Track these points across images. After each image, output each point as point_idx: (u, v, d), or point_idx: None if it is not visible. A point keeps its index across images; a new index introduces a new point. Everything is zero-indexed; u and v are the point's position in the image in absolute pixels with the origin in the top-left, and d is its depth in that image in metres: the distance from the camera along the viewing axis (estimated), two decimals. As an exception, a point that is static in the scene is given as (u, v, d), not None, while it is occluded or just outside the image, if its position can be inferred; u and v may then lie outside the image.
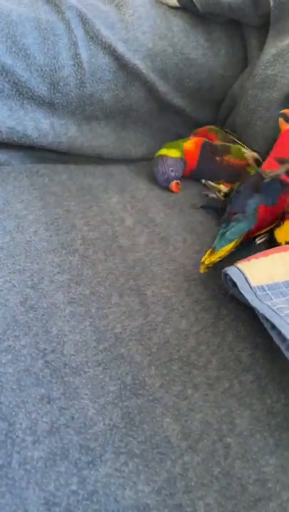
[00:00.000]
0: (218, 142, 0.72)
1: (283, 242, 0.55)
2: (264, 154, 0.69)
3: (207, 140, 0.71)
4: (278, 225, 0.58)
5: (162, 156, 0.68)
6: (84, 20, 0.61)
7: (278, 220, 0.58)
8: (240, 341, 0.46)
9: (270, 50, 0.64)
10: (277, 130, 0.67)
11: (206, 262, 0.50)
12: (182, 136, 0.77)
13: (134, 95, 0.68)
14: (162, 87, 0.68)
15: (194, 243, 0.58)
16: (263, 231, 0.58)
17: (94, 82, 0.64)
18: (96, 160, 0.72)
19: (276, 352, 0.41)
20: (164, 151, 0.68)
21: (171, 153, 0.68)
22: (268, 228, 0.58)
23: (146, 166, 0.75)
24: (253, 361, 0.44)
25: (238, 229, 0.54)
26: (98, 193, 0.65)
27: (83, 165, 0.70)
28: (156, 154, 0.69)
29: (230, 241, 0.53)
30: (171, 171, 0.67)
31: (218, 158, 0.69)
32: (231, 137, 0.73)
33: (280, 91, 0.64)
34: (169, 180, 0.67)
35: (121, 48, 0.63)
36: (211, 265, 0.51)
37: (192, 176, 0.71)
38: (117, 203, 0.63)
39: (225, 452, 0.37)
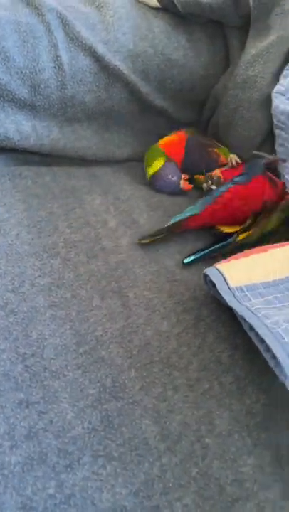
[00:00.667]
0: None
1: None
2: (245, 153, 0.69)
3: (191, 135, 0.71)
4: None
5: (153, 176, 0.68)
6: (64, 22, 0.61)
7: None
8: (220, 342, 0.46)
9: (250, 50, 0.64)
10: (258, 130, 0.67)
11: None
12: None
13: (116, 96, 0.68)
14: (144, 88, 0.68)
15: (177, 246, 0.58)
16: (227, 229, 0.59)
17: (75, 83, 0.64)
18: (80, 162, 0.72)
19: (255, 353, 0.41)
20: (150, 170, 0.68)
21: (156, 165, 0.68)
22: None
23: (131, 167, 0.75)
24: (232, 362, 0.45)
25: (184, 213, 0.58)
26: (81, 194, 0.65)
27: (67, 167, 0.70)
28: (148, 177, 0.69)
29: (173, 221, 0.57)
30: (171, 177, 0.67)
31: (209, 149, 0.70)
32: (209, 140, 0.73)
33: (260, 91, 0.64)
34: (175, 185, 0.67)
35: (101, 50, 0.63)
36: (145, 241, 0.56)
37: (182, 168, 0.70)
38: (100, 204, 0.63)
39: (203, 453, 0.37)
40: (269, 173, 0.62)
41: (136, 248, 0.56)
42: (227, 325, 0.48)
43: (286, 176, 0.63)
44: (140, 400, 0.40)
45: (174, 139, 0.70)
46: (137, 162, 0.76)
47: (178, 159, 0.69)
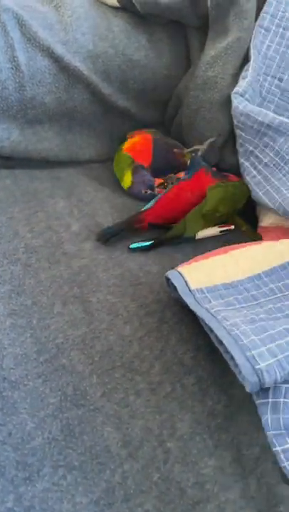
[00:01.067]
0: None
1: None
2: (207, 155, 0.69)
3: (156, 136, 0.71)
4: None
5: (128, 190, 0.67)
6: (20, 23, 0.60)
7: None
8: (183, 344, 0.47)
9: (210, 51, 0.64)
10: (220, 131, 0.68)
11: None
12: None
13: (77, 98, 0.67)
14: (106, 89, 0.68)
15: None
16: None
17: (34, 85, 0.62)
18: (42, 163, 0.71)
19: (217, 353, 0.42)
20: (123, 184, 0.68)
21: (127, 180, 0.67)
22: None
23: (94, 168, 0.74)
24: (195, 363, 0.45)
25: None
26: (44, 197, 0.64)
27: (29, 169, 0.69)
28: (125, 188, 0.68)
29: None
30: (144, 192, 0.66)
31: (175, 150, 0.70)
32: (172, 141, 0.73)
33: (221, 92, 0.64)
34: (151, 195, 0.65)
35: (60, 50, 0.62)
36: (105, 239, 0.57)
37: (151, 172, 0.69)
38: (63, 207, 0.62)
39: (165, 457, 0.38)
40: (210, 167, 0.66)
41: (99, 252, 0.56)
42: (190, 326, 0.49)
43: (247, 178, 0.64)
44: (102, 406, 0.40)
45: (139, 142, 0.69)
46: (100, 164, 0.75)
47: (146, 163, 0.69)
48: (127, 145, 0.69)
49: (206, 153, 0.66)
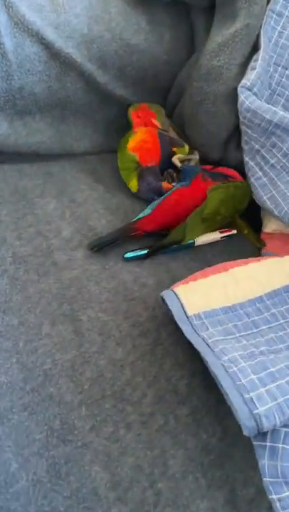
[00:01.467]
0: (173, 134, 0.68)
1: None
2: (211, 150, 0.65)
3: (160, 130, 0.66)
4: None
5: (136, 193, 0.62)
6: (7, 4, 0.54)
7: None
8: (177, 369, 0.44)
9: (216, 38, 0.58)
10: (224, 126, 0.63)
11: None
12: (127, 128, 0.72)
13: (70, 87, 0.61)
14: (101, 77, 0.62)
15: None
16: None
17: (22, 74, 0.57)
18: (34, 157, 0.66)
19: (213, 379, 0.39)
20: (131, 187, 0.62)
21: (133, 186, 0.62)
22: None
23: (90, 161, 0.69)
24: (189, 391, 0.43)
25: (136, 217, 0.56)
26: (34, 197, 0.60)
27: (19, 164, 0.64)
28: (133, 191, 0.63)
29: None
30: (152, 198, 0.60)
31: (174, 149, 0.65)
32: (171, 123, 0.68)
33: (226, 84, 0.59)
34: (159, 192, 0.61)
35: (51, 35, 0.56)
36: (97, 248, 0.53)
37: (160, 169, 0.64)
38: (54, 209, 0.58)
39: (155, 500, 0.36)
40: (211, 170, 0.62)
41: (91, 261, 0.53)
42: (185, 348, 0.46)
43: (251, 179, 0.59)
44: (90, 442, 0.38)
45: (146, 140, 0.63)
46: (95, 156, 0.70)
47: (155, 161, 0.63)
48: (132, 143, 0.63)
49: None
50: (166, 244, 0.55)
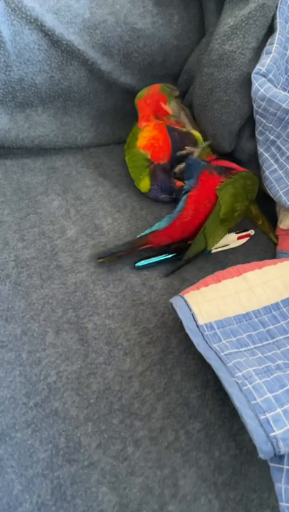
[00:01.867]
0: (180, 126, 0.64)
1: None
2: (222, 140, 0.61)
3: (168, 125, 0.62)
4: None
5: (146, 193, 0.59)
6: (2, -11, 0.50)
7: None
8: (188, 380, 0.42)
9: (228, 20, 0.54)
10: (237, 115, 0.59)
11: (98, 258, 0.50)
12: (136, 116, 0.68)
13: (72, 76, 0.58)
14: (106, 64, 0.58)
15: (144, 255, 0.52)
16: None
17: (22, 64, 0.54)
18: (36, 152, 0.63)
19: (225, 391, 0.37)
20: (141, 188, 0.59)
21: (144, 186, 0.58)
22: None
23: (95, 153, 0.66)
24: (201, 404, 0.41)
25: (149, 229, 0.52)
26: (37, 195, 0.57)
27: (22, 159, 0.62)
28: (142, 192, 0.60)
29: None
30: (163, 199, 0.58)
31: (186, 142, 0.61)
32: (182, 106, 0.64)
33: (239, 70, 0.55)
34: (171, 191, 0.58)
35: (51, 21, 0.52)
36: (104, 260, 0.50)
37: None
38: (58, 207, 0.56)
39: (165, 523, 0.34)
40: (213, 163, 0.57)
41: (97, 264, 0.50)
42: (197, 356, 0.44)
43: (266, 172, 0.56)
44: (97, 461, 0.36)
45: (157, 138, 0.59)
46: (101, 148, 0.67)
47: (166, 158, 0.59)
48: (142, 141, 0.59)
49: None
50: (191, 257, 0.52)
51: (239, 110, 0.58)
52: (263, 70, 0.53)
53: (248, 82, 0.55)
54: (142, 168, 0.58)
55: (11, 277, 0.47)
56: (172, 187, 0.56)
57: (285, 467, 0.33)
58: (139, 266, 0.50)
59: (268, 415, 0.33)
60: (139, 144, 0.59)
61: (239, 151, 0.63)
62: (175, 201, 0.56)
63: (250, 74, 0.54)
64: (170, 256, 0.51)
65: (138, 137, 0.59)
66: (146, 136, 0.59)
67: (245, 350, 0.39)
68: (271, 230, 0.59)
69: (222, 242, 0.54)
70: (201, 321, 0.40)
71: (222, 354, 0.38)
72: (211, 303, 0.41)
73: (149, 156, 0.58)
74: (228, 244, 0.54)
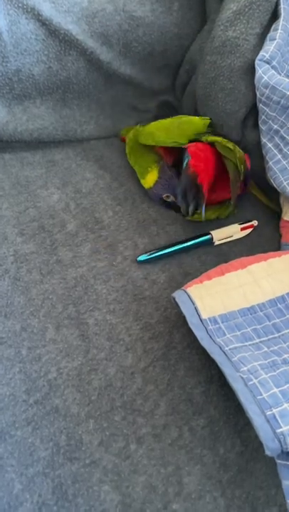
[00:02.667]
0: None
1: None
2: (229, 131, 0.60)
3: None
4: None
5: (150, 189, 0.56)
6: (-3, -23, 0.49)
7: None
8: (192, 375, 0.41)
9: (231, 5, 0.52)
10: (242, 103, 0.57)
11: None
12: (136, 107, 0.67)
13: (71, 67, 0.57)
14: (105, 54, 0.57)
15: (146, 248, 0.51)
16: None
17: (19, 54, 0.53)
18: (36, 145, 0.62)
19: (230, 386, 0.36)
20: (145, 181, 0.56)
21: (151, 175, 0.56)
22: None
23: (95, 146, 0.65)
24: (205, 400, 0.40)
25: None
26: (36, 189, 0.56)
27: (20, 152, 0.61)
28: (146, 187, 0.57)
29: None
30: (169, 186, 0.55)
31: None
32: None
33: (243, 57, 0.53)
34: (174, 189, 0.55)
35: (48, 10, 0.51)
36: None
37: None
38: (58, 201, 0.55)
39: (170, 522, 0.33)
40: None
41: (98, 258, 0.49)
42: (200, 351, 0.43)
43: (270, 163, 0.54)
44: (99, 459, 0.36)
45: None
46: (101, 140, 0.66)
47: (170, 161, 0.57)
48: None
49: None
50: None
51: (244, 98, 0.56)
52: (267, 56, 0.51)
53: (252, 69, 0.53)
54: (150, 162, 0.56)
55: (10, 272, 0.46)
56: (175, 188, 0.54)
57: (293, 464, 0.32)
58: (140, 260, 0.49)
59: (274, 411, 0.32)
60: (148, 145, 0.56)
61: (243, 141, 0.62)
62: (172, 207, 0.55)
63: (254, 61, 0.53)
64: (173, 249, 0.50)
65: (148, 139, 0.55)
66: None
67: (250, 345, 0.38)
68: (264, 196, 0.59)
69: (225, 233, 0.53)
70: (204, 316, 0.39)
71: (226, 349, 0.36)
72: (215, 296, 0.40)
73: (160, 154, 0.56)
74: (232, 236, 0.53)
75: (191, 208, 0.49)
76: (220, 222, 0.55)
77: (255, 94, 0.55)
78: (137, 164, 0.58)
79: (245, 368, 0.34)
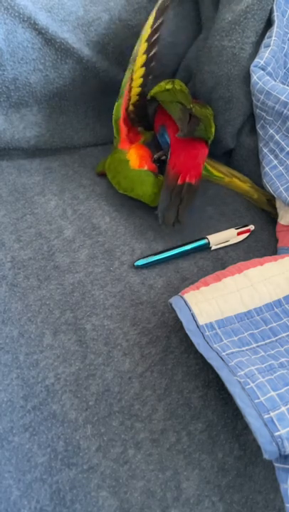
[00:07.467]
0: None
1: None
2: (224, 138, 0.60)
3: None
4: None
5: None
6: (-6, -13, 0.50)
7: None
8: (190, 380, 0.41)
9: (226, 15, 0.53)
10: (240, 111, 0.58)
11: None
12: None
13: (67, 75, 0.57)
14: (101, 62, 0.58)
15: (143, 254, 0.51)
16: None
17: (15, 63, 0.53)
18: (33, 152, 0.62)
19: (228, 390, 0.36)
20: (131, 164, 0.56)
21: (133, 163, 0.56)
22: None
23: (92, 153, 0.66)
24: (204, 404, 0.40)
25: None
26: (33, 195, 0.56)
27: (17, 160, 0.61)
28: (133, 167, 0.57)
29: None
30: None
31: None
32: None
33: (240, 66, 0.54)
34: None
35: (44, 20, 0.52)
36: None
37: None
38: (55, 208, 0.55)
39: (168, 528, 0.33)
40: None
41: (95, 263, 0.49)
42: (198, 356, 0.43)
43: (266, 168, 0.55)
44: (97, 464, 0.35)
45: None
46: (98, 147, 0.67)
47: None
48: (135, 161, 0.56)
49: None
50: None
51: (242, 106, 0.57)
52: (262, 62, 0.52)
53: (249, 78, 0.54)
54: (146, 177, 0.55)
55: (7, 279, 0.47)
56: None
57: (291, 468, 0.32)
58: (138, 265, 0.49)
59: (272, 414, 0.32)
60: (132, 165, 0.55)
61: (238, 147, 0.62)
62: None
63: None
64: (170, 254, 0.51)
65: (128, 159, 0.55)
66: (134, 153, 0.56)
67: (247, 349, 0.38)
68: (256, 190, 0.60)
69: (222, 238, 0.53)
70: (201, 322, 0.39)
71: (223, 354, 0.37)
72: (212, 302, 0.41)
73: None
74: (228, 241, 0.53)
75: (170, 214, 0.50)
76: (216, 228, 0.55)
77: (252, 102, 0.56)
78: (112, 173, 0.57)
79: (242, 372, 0.34)
